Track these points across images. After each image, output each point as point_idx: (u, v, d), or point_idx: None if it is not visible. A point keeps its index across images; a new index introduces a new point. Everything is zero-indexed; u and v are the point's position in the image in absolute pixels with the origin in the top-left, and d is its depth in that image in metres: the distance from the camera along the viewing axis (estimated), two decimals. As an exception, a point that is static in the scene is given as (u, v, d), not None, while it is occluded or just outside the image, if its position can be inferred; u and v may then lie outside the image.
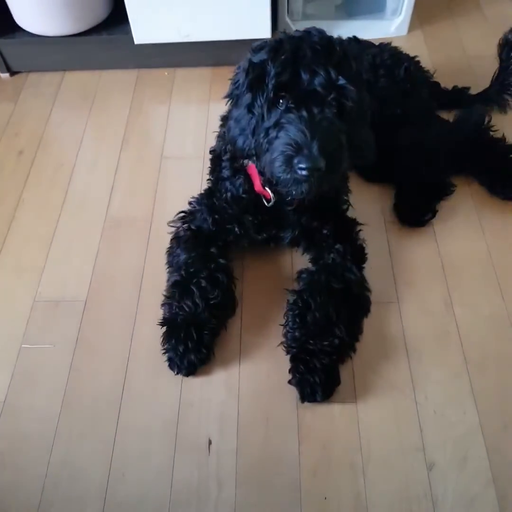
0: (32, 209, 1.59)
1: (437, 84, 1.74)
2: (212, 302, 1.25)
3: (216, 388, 1.24)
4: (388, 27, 2.06)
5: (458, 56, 1.93)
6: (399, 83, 1.53)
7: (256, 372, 1.26)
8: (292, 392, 1.22)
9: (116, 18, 1.93)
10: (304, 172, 0.99)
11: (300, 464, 1.14)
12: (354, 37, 1.61)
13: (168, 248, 1.38)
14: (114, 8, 1.95)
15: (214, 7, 1.77)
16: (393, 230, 1.49)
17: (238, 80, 1.10)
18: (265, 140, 1.05)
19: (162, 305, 1.31)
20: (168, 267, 1.36)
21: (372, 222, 1.47)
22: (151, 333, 1.32)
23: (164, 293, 1.32)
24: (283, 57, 1.00)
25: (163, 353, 1.25)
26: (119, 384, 1.25)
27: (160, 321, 1.28)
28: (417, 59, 1.65)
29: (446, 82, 1.77)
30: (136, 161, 1.70)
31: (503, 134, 1.58)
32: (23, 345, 1.31)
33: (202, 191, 1.40)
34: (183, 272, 1.28)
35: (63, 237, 1.52)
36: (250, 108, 1.06)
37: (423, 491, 1.10)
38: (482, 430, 1.16)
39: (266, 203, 1.25)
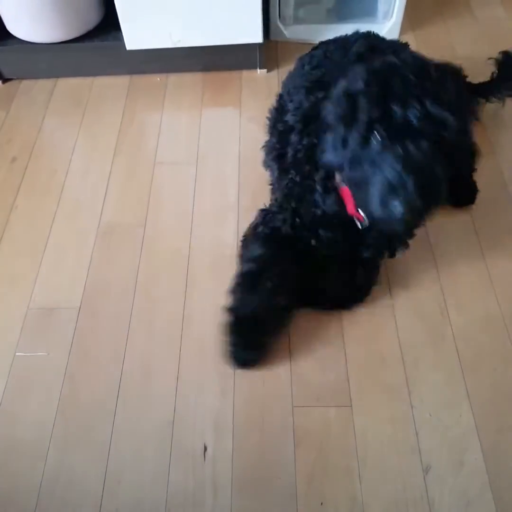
0: (25, 217, 1.58)
1: None
2: (279, 301, 1.24)
3: (211, 393, 1.24)
4: (380, 30, 2.05)
5: (450, 58, 1.90)
6: None
7: (251, 377, 1.26)
8: (288, 396, 1.22)
9: (107, 24, 1.92)
10: (400, 214, 0.95)
11: (296, 469, 1.14)
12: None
13: (242, 240, 1.35)
14: (105, 15, 1.95)
15: (205, 12, 1.77)
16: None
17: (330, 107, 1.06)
18: (360, 175, 1.01)
19: (231, 292, 1.27)
20: (240, 259, 1.33)
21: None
22: (145, 339, 1.32)
23: (234, 280, 1.28)
24: (374, 90, 0.94)
25: (225, 344, 1.24)
26: (113, 391, 1.24)
27: (228, 308, 1.25)
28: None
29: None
30: (129, 168, 1.69)
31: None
32: (17, 353, 1.31)
33: (283, 192, 1.30)
34: (255, 265, 1.25)
35: (57, 244, 1.51)
36: (343, 141, 1.01)
37: (420, 494, 1.10)
38: (478, 433, 1.16)
39: (359, 226, 1.19)
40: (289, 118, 1.35)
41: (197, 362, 1.29)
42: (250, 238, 1.34)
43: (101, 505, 1.11)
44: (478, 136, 1.65)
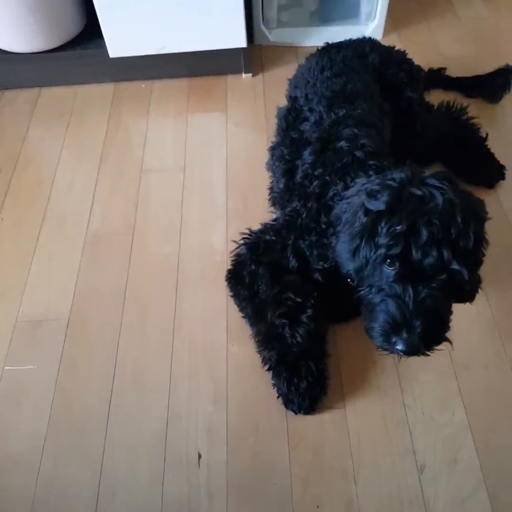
0: (12, 228, 1.57)
1: None
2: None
3: (204, 400, 1.23)
4: (363, 32, 2.06)
5: (433, 58, 1.95)
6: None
7: (244, 382, 1.25)
8: (281, 402, 1.21)
9: (90, 32, 1.92)
10: (399, 351, 0.98)
11: (291, 473, 1.13)
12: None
13: (229, 277, 1.32)
14: (87, 23, 1.95)
15: (188, 18, 1.77)
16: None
17: (345, 210, 1.07)
18: (366, 298, 1.03)
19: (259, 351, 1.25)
20: (242, 305, 1.30)
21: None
22: (136, 347, 1.31)
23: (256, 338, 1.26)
24: (397, 229, 0.93)
25: (278, 396, 1.21)
26: (105, 401, 1.24)
27: (267, 366, 1.23)
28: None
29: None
30: (115, 176, 1.69)
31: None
32: (5, 367, 1.30)
33: (285, 219, 1.26)
34: (269, 321, 1.21)
35: (44, 255, 1.50)
36: (354, 253, 1.02)
37: (415, 493, 1.10)
38: (471, 430, 1.16)
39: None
40: (306, 129, 1.32)
41: (189, 369, 1.28)
42: (244, 276, 1.28)
43: (95, 516, 1.10)
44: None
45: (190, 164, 1.70)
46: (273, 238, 1.26)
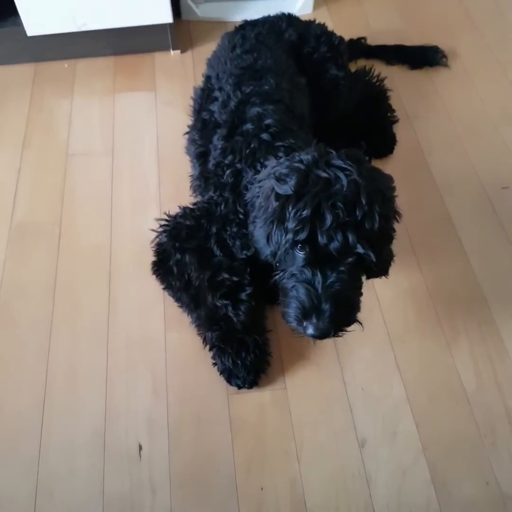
0: None
1: None
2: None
3: (143, 392, 1.20)
4: (293, 5, 2.03)
5: (364, 31, 1.93)
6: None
7: (183, 371, 1.23)
8: (223, 387, 1.20)
9: (4, 9, 1.79)
10: (310, 335, 0.98)
11: (235, 459, 1.12)
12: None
13: (155, 269, 1.28)
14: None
15: (109, -7, 1.68)
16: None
17: (258, 196, 1.05)
18: (281, 283, 1.03)
19: (199, 334, 1.24)
20: (177, 296, 1.27)
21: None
22: (69, 342, 1.26)
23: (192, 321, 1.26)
24: (303, 214, 0.92)
25: (220, 373, 1.20)
26: (39, 401, 1.19)
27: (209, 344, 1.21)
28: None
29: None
30: (39, 162, 1.60)
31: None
32: None
33: (204, 206, 1.24)
34: (209, 304, 1.20)
35: (-35, 249, 1.42)
36: (268, 239, 1.01)
37: (357, 469, 1.11)
38: (410, 403, 1.18)
39: None
40: (215, 110, 1.30)
41: (126, 361, 1.24)
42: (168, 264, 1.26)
43: (33, 520, 1.06)
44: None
45: (119, 147, 1.64)
46: (194, 224, 1.24)
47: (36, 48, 1.84)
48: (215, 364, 1.21)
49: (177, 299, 1.28)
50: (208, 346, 1.21)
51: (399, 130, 1.66)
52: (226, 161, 1.20)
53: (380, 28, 1.98)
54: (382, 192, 0.97)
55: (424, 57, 1.86)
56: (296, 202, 0.94)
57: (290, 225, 0.94)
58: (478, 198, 1.53)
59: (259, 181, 1.08)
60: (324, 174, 0.94)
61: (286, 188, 0.96)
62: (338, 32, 1.92)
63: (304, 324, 0.98)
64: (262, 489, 1.09)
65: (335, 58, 1.53)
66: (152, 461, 1.12)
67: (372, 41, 1.89)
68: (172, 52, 1.91)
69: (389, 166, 1.58)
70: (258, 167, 1.15)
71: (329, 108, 1.52)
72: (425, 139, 1.66)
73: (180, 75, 1.85)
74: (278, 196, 0.98)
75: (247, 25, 1.53)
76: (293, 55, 1.47)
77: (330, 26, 1.81)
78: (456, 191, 1.54)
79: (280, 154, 1.14)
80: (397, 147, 1.63)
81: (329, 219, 0.91)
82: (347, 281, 0.97)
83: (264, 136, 1.17)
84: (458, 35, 1.97)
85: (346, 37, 1.90)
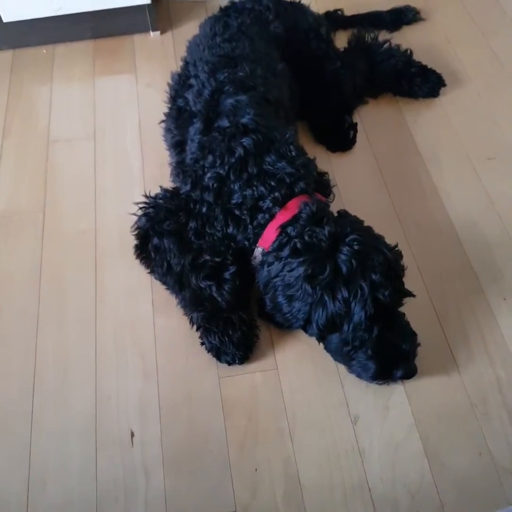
0: None
1: None
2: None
3: (133, 376, 1.19)
4: (273, -19, 1.99)
5: (345, 5, 1.89)
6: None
7: (173, 354, 1.22)
8: (213, 368, 1.19)
9: (-22, -5, 1.76)
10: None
11: (228, 440, 1.12)
12: None
13: (138, 253, 1.27)
14: (-26, -16, 1.78)
15: (83, -26, 1.64)
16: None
17: None
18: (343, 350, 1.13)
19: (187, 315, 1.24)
20: (162, 279, 1.27)
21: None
22: (57, 329, 1.25)
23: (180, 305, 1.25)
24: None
25: (208, 351, 1.20)
26: (28, 389, 1.18)
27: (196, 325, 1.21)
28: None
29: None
30: (20, 149, 1.58)
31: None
32: None
33: (183, 199, 1.23)
34: (193, 286, 1.19)
35: None
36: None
37: (350, 445, 1.11)
38: (400, 376, 1.18)
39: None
40: (191, 99, 1.30)
41: (115, 346, 1.23)
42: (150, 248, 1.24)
43: (27, 509, 1.05)
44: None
45: (101, 131, 1.61)
46: (173, 208, 1.22)
47: (13, 34, 1.80)
48: (203, 343, 1.20)
49: (163, 283, 1.27)
50: (195, 327, 1.21)
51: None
52: (206, 163, 1.20)
53: (361, 2, 1.94)
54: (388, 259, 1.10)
55: (398, 18, 1.89)
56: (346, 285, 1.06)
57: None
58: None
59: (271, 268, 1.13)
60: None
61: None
62: (320, 8, 1.90)
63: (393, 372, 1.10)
64: (256, 470, 1.09)
65: (327, 53, 1.57)
66: (145, 444, 1.11)
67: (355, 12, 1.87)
68: (151, 33, 1.87)
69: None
70: (253, 186, 1.15)
71: (338, 95, 1.56)
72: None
73: (160, 57, 1.82)
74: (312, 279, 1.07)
75: (232, 11, 1.50)
76: (279, 49, 1.46)
77: (311, 2, 1.80)
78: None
79: (272, 183, 1.16)
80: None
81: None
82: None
83: (246, 142, 1.17)
84: (440, 6, 1.94)
85: (330, 8, 1.89)
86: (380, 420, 1.14)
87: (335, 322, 1.07)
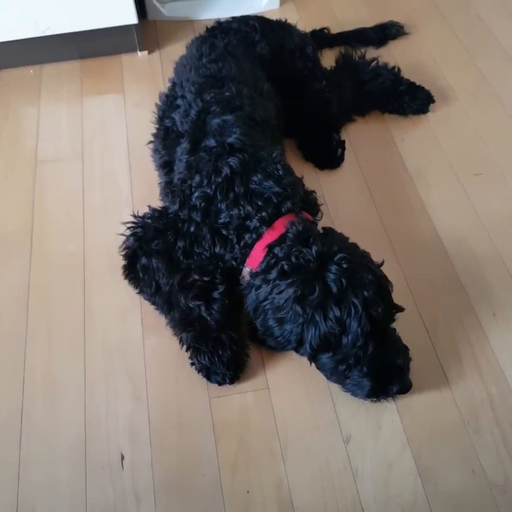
0: None
1: None
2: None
3: (123, 399, 1.18)
4: (260, 2, 2.02)
5: (331, 24, 1.92)
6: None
7: (163, 376, 1.21)
8: (204, 389, 1.18)
9: (-36, 16, 1.76)
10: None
11: (219, 462, 1.11)
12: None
13: (127, 274, 1.26)
14: (-39, 6, 1.78)
15: (71, -4, 1.65)
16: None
17: None
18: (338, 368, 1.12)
19: (177, 335, 1.22)
20: (151, 300, 1.26)
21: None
22: (45, 354, 1.24)
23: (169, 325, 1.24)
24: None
25: (198, 371, 1.19)
26: (16, 414, 1.16)
27: (186, 345, 1.20)
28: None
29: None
30: (7, 170, 1.57)
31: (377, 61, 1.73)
32: None
33: (170, 220, 1.22)
34: (183, 306, 1.18)
35: None
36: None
37: (343, 465, 1.10)
38: (393, 394, 1.18)
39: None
40: (178, 119, 1.31)
41: (104, 369, 1.22)
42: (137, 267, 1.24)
43: (15, 538, 1.03)
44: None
45: (89, 151, 1.61)
46: (161, 228, 1.22)
47: (-1, 54, 1.80)
48: (193, 364, 1.19)
49: (153, 303, 1.26)
50: (184, 347, 1.20)
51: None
52: (194, 183, 1.20)
53: (348, 22, 1.97)
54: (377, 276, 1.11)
55: (383, 33, 1.92)
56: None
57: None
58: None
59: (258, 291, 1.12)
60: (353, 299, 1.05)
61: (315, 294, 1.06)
62: (306, 27, 1.92)
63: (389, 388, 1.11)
64: (248, 492, 1.07)
65: (313, 72, 1.58)
66: (135, 469, 1.10)
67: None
68: (139, 53, 1.88)
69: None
70: (239, 205, 1.16)
71: (325, 114, 1.58)
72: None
73: (148, 76, 1.82)
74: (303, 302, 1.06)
75: (218, 31, 1.51)
76: (265, 69, 1.48)
77: (298, 21, 1.82)
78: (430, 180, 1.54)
79: (259, 202, 1.16)
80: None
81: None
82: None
83: (232, 162, 1.17)
84: (426, 24, 1.97)
85: (315, 31, 1.91)
86: (373, 438, 1.13)
87: (329, 341, 1.06)
